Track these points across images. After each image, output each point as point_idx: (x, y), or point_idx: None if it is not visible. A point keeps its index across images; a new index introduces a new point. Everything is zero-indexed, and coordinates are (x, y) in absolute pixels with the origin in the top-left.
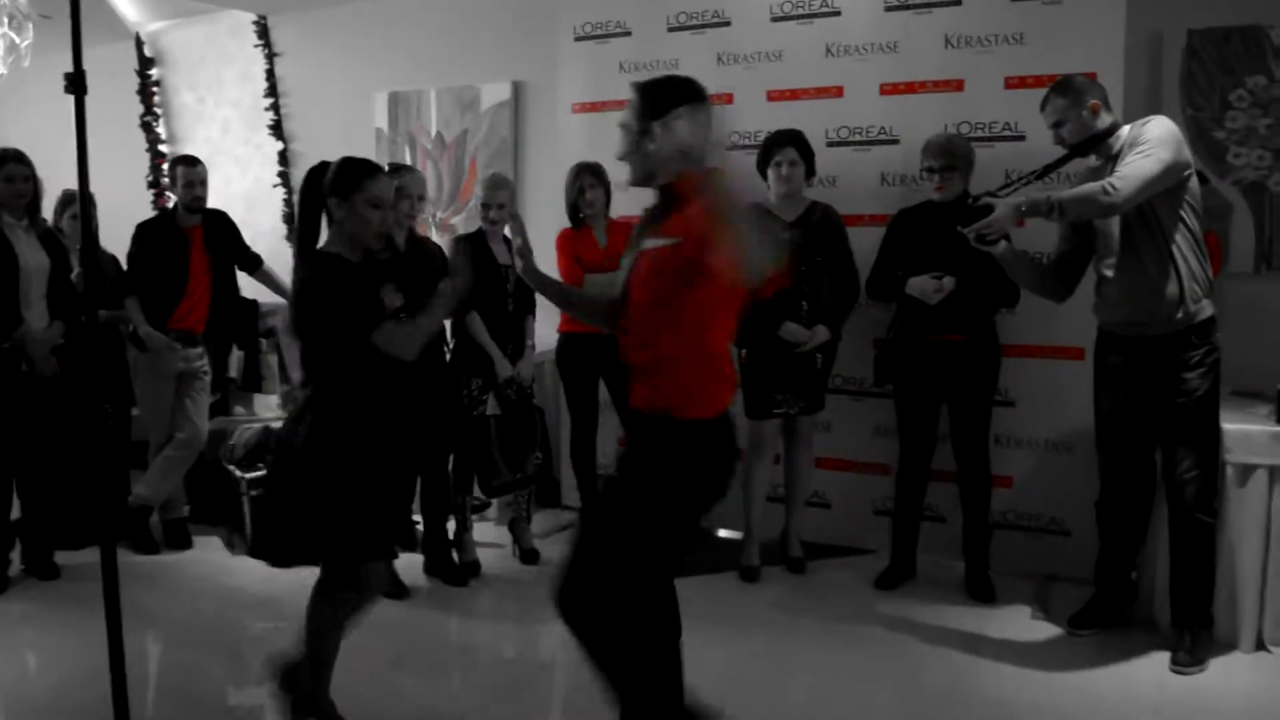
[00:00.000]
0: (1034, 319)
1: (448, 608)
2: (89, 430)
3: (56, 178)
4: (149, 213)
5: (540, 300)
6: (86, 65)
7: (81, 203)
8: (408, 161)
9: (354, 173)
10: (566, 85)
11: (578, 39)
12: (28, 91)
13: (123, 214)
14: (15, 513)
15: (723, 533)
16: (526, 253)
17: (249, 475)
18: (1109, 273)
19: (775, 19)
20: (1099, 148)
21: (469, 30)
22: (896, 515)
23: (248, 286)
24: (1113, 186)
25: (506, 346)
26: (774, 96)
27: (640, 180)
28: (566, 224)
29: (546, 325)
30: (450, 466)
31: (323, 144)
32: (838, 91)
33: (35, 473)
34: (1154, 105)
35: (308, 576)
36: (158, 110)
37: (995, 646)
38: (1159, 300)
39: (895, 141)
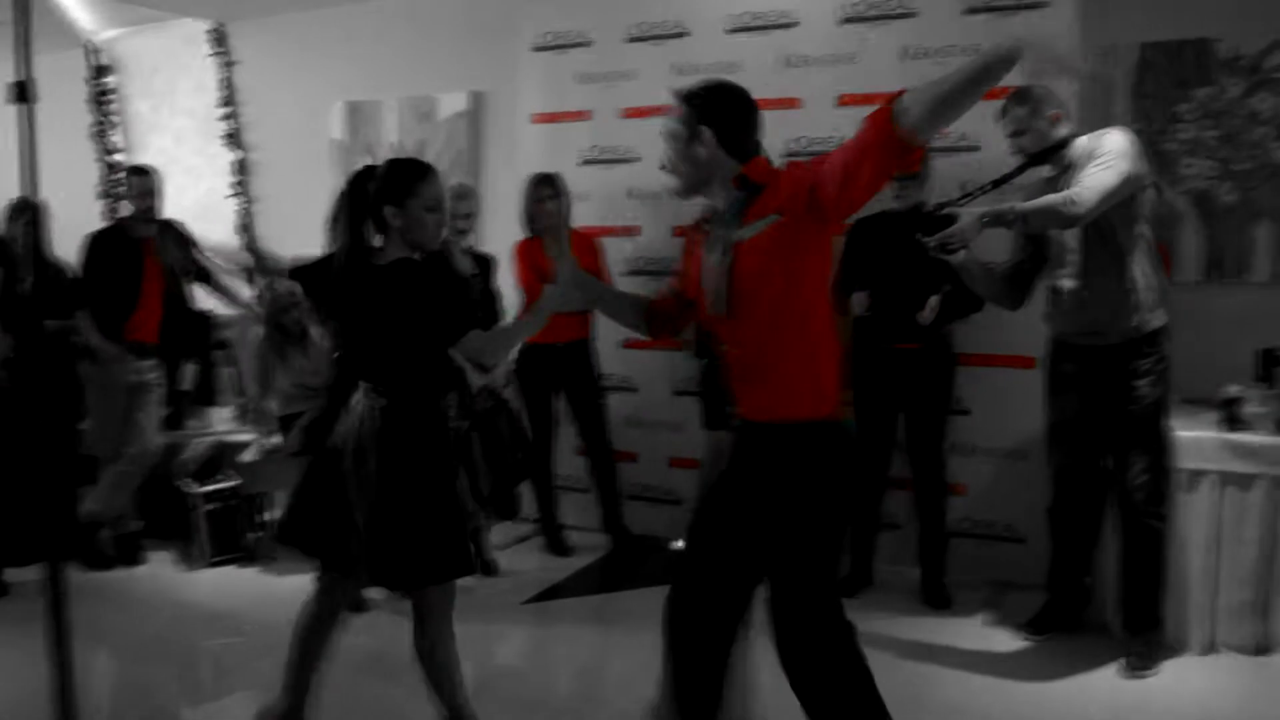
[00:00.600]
0: (986, 328)
1: (404, 621)
2: (41, 444)
3: (6, 187)
4: (101, 223)
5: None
6: (37, 74)
7: (32, 213)
8: None
9: (406, 176)
10: (525, 96)
11: (536, 49)
12: None
13: (75, 224)
14: None
15: (679, 543)
16: (569, 260)
17: (202, 489)
18: (1064, 282)
19: (733, 30)
20: (1055, 158)
21: (427, 40)
22: (854, 524)
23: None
24: (1075, 198)
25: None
26: None
27: (692, 188)
28: (524, 235)
29: None
30: None
31: (280, 154)
32: (796, 103)
33: None
34: (1106, 117)
35: (262, 590)
36: (111, 119)
37: (951, 653)
38: (1115, 309)
39: None
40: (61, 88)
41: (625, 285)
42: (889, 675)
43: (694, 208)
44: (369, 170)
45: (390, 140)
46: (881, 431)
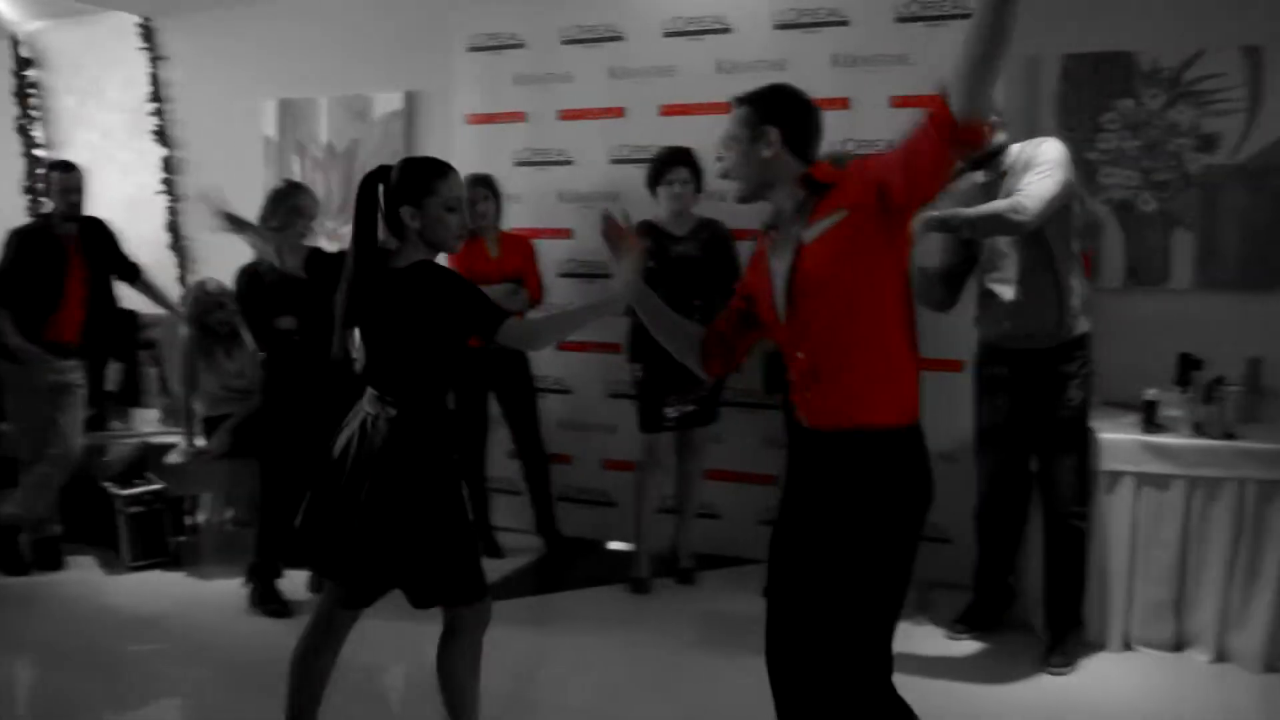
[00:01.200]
0: None
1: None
2: None
3: None
4: (24, 219)
5: None
6: None
7: None
8: (296, 171)
9: (424, 175)
10: (460, 96)
11: (471, 49)
12: None
13: None
14: None
15: (613, 545)
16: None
17: (126, 492)
18: (995, 287)
19: (667, 34)
20: (991, 164)
21: (361, 38)
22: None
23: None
24: (1020, 206)
25: None
26: (667, 111)
27: (755, 192)
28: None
29: None
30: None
31: (210, 151)
32: (729, 108)
33: None
34: (1031, 126)
35: (188, 595)
36: (35, 113)
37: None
38: (1048, 314)
39: None
40: None
41: (558, 288)
42: None
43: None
44: (381, 171)
45: (323, 139)
46: None
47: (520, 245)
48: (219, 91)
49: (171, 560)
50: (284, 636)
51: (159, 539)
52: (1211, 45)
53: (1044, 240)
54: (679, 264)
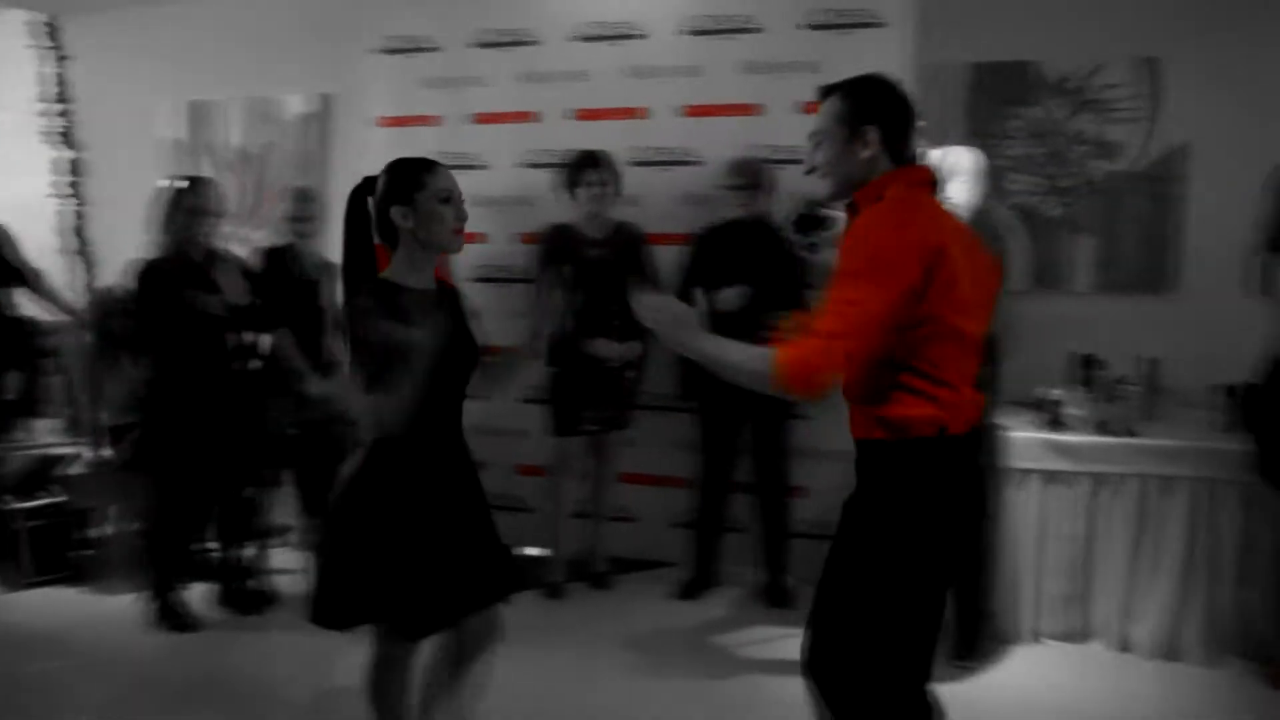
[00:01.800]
0: None
1: (241, 638)
2: None
3: None
4: None
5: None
6: None
7: None
8: (207, 174)
9: (410, 171)
10: (372, 99)
11: (382, 51)
12: None
13: None
14: None
15: (528, 550)
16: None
17: (24, 505)
18: None
19: (580, 39)
20: None
21: (272, 40)
22: (698, 527)
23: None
24: (956, 215)
25: (320, 362)
26: (580, 116)
27: (844, 192)
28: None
29: None
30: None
31: (115, 153)
32: (642, 112)
33: None
34: (941, 133)
35: (88, 611)
36: None
37: (793, 651)
38: None
39: (698, 163)
40: None
41: (472, 292)
42: (731, 674)
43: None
44: (367, 182)
45: (232, 141)
46: (725, 437)
47: None
48: (125, 92)
49: (73, 575)
50: (191, 652)
51: (59, 553)
52: (1113, 56)
53: None
54: (595, 267)
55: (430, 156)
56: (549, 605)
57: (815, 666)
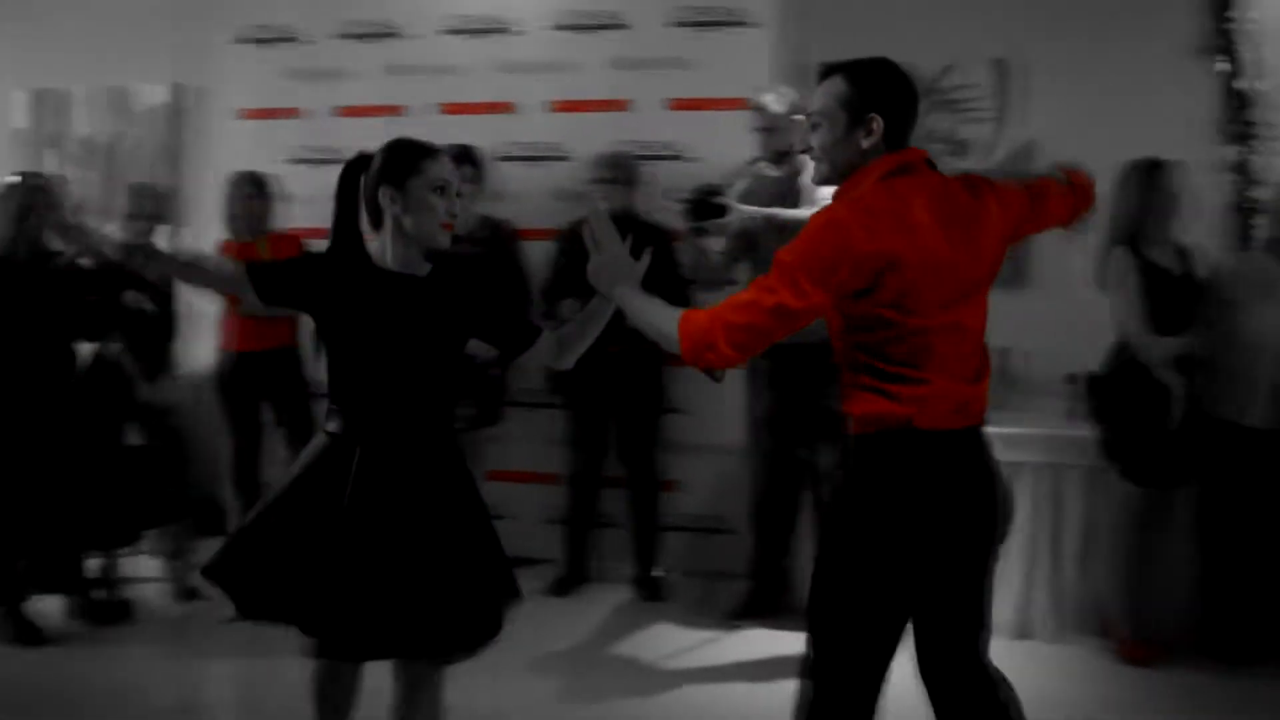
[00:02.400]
0: None
1: (93, 652)
2: None
3: None
4: None
5: (201, 315)
6: None
7: None
8: (51, 167)
9: (408, 154)
10: (231, 90)
11: (240, 41)
12: None
13: None
14: None
15: None
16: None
17: None
18: None
19: (447, 32)
20: (786, 161)
21: (124, 26)
22: (570, 524)
23: None
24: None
25: (154, 368)
26: (448, 110)
27: (837, 178)
28: (228, 236)
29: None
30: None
31: None
32: (510, 107)
33: None
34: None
35: None
36: None
37: (663, 643)
38: None
39: (566, 158)
40: None
41: None
42: (602, 667)
43: None
44: (361, 158)
45: (81, 132)
46: (595, 432)
47: (293, 247)
48: None
49: None
50: (40, 666)
51: None
52: (966, 57)
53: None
54: (463, 264)
55: (293, 149)
56: None
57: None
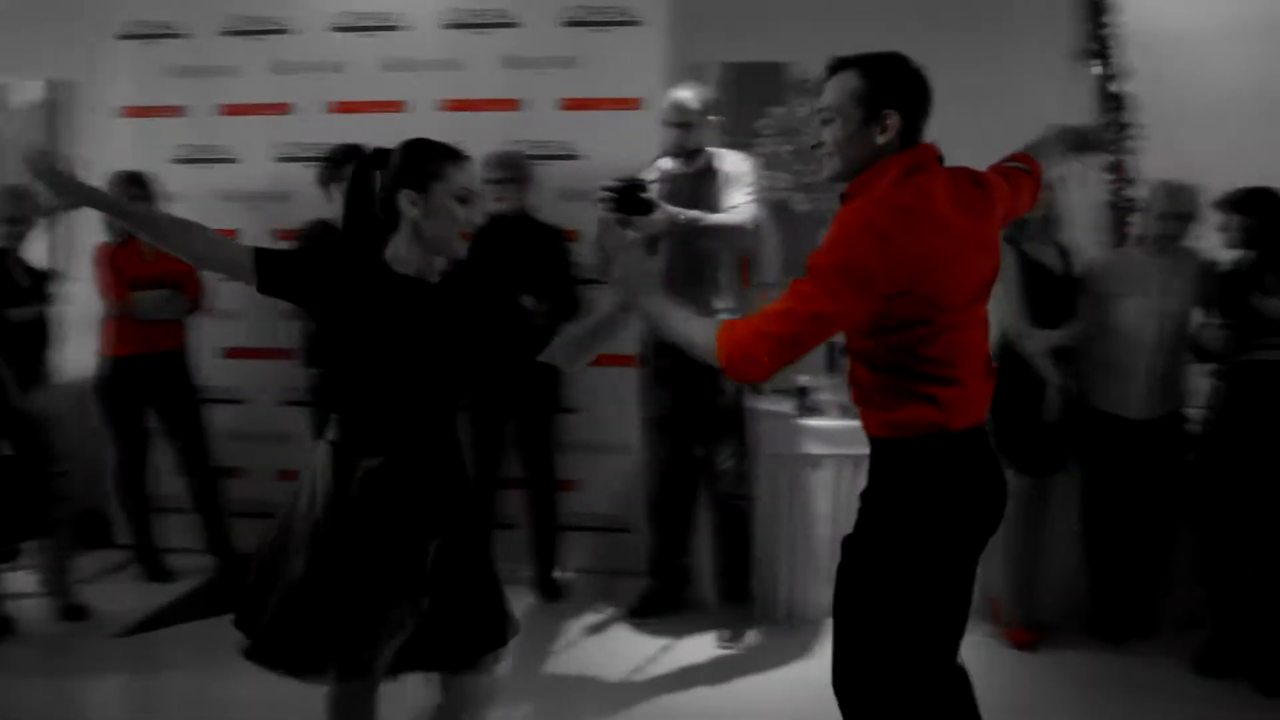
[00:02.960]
0: None
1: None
2: None
3: None
4: None
5: (80, 320)
6: None
7: None
8: None
9: (431, 157)
10: (111, 87)
11: (121, 37)
12: None
13: None
14: None
15: None
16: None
17: None
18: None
19: (335, 29)
20: (697, 158)
21: None
22: None
23: None
24: (748, 224)
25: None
26: (335, 108)
27: (848, 175)
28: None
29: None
30: None
31: None
32: (399, 106)
33: None
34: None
35: None
36: None
37: (563, 641)
38: (705, 311)
39: None
40: None
41: (225, 292)
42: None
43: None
44: (378, 154)
45: None
46: (491, 434)
47: None
48: None
49: None
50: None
51: None
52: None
53: (709, 245)
54: None
55: (177, 148)
56: None
57: (837, 680)
